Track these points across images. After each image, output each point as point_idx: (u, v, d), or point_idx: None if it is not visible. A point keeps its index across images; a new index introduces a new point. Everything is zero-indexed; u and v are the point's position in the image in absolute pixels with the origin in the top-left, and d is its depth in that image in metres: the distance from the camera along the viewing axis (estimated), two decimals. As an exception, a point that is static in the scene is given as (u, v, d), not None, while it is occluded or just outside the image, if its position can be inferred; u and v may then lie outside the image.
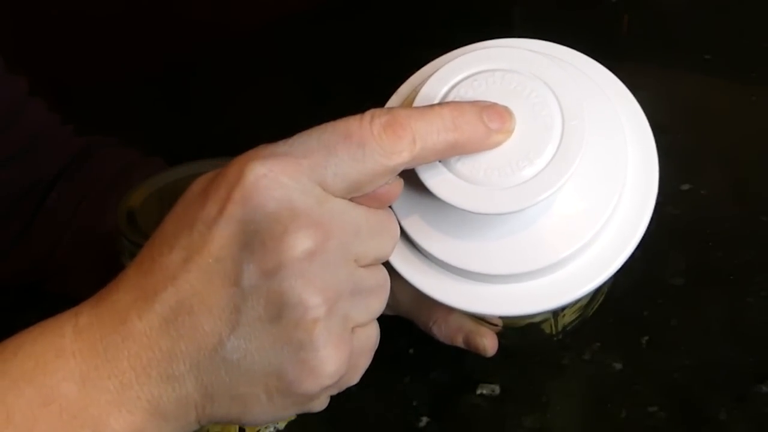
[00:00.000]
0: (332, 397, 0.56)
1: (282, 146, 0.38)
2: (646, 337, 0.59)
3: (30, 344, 0.38)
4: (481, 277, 0.44)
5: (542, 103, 0.43)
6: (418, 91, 0.44)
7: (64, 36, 1.07)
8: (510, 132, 0.42)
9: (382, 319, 0.59)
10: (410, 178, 0.44)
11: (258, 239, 0.36)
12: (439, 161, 0.42)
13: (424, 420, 0.54)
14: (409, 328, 0.58)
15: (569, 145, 0.42)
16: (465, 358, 0.57)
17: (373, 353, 0.42)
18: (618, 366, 0.57)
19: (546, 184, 0.41)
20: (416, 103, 0.44)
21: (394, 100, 0.49)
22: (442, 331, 0.55)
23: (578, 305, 0.54)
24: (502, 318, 0.54)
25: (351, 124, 0.38)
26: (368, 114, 0.38)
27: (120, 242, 0.50)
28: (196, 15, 1.12)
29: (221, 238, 0.37)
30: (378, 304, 0.41)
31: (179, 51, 1.04)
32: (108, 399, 0.37)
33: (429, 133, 0.39)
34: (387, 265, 0.46)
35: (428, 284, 0.46)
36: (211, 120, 0.89)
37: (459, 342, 0.55)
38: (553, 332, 0.56)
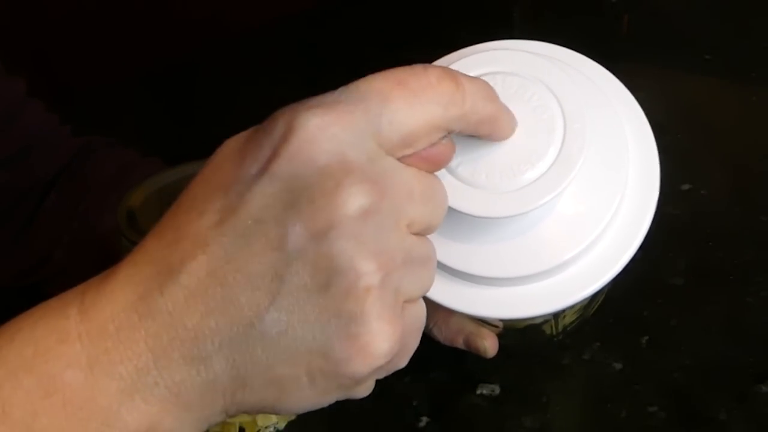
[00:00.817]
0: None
1: (330, 96, 0.35)
2: (646, 337, 0.59)
3: (29, 329, 0.34)
4: (483, 280, 0.44)
5: (544, 107, 0.42)
6: None
7: (63, 36, 1.07)
8: (512, 131, 0.41)
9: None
10: None
11: (306, 196, 0.32)
12: None
13: (424, 420, 0.54)
14: (409, 328, 0.58)
15: (571, 149, 0.41)
16: (465, 358, 0.57)
17: (421, 334, 0.38)
18: (618, 366, 0.57)
19: (548, 187, 0.41)
20: None
21: None
22: (442, 332, 0.55)
23: (579, 306, 0.54)
24: (503, 320, 0.54)
25: (404, 71, 0.35)
26: (419, 65, 0.36)
27: (120, 242, 0.50)
28: (196, 15, 1.12)
29: (263, 196, 0.33)
30: (429, 278, 0.37)
31: (179, 51, 1.04)
32: (120, 387, 0.32)
33: (477, 95, 0.37)
34: None
35: None
36: (210, 120, 0.89)
37: (459, 343, 0.55)
38: (554, 333, 0.56)
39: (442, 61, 0.47)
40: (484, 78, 0.43)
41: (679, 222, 0.67)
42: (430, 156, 0.36)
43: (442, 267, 0.45)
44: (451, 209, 0.42)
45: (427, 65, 0.36)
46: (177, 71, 1.00)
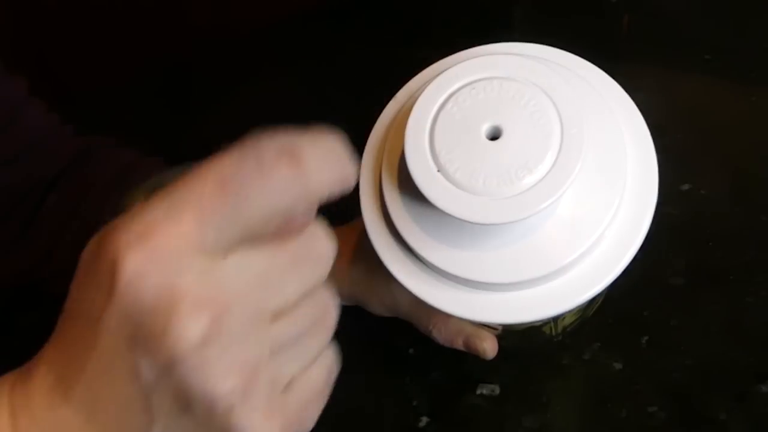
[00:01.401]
0: (332, 397, 0.56)
1: (149, 213, 0.33)
2: (646, 337, 0.58)
3: None
4: (482, 285, 0.44)
5: (541, 112, 0.42)
6: (417, 97, 0.44)
7: (64, 36, 1.07)
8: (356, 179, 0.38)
9: (382, 319, 0.59)
10: (408, 186, 0.43)
11: (143, 336, 0.32)
12: (438, 170, 0.42)
13: (424, 420, 0.54)
14: (409, 329, 0.58)
15: (568, 154, 0.41)
16: (465, 358, 0.57)
17: (328, 388, 0.37)
18: (618, 366, 0.57)
19: (546, 193, 0.41)
20: (414, 111, 0.44)
21: (392, 107, 0.49)
22: (442, 334, 0.55)
23: (577, 308, 0.54)
24: (502, 325, 0.54)
25: (231, 164, 0.32)
26: (252, 149, 0.33)
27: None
28: (196, 15, 1.12)
29: (109, 333, 0.33)
30: (321, 337, 0.36)
31: (179, 51, 1.04)
32: None
33: (321, 168, 0.34)
34: (386, 271, 0.46)
35: (428, 293, 0.46)
36: (210, 120, 0.89)
37: (459, 345, 0.55)
38: (553, 334, 0.56)
39: (439, 65, 0.47)
40: (480, 83, 0.43)
41: (679, 222, 0.67)
42: (284, 231, 0.34)
43: (441, 273, 0.45)
44: (448, 215, 0.42)
45: (263, 146, 0.33)
46: (178, 71, 1.00)
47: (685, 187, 0.72)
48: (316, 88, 0.96)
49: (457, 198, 0.42)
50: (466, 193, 0.42)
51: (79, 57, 1.07)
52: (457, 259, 0.44)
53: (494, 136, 0.43)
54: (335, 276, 0.59)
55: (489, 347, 0.54)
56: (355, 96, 0.87)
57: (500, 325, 0.54)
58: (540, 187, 0.41)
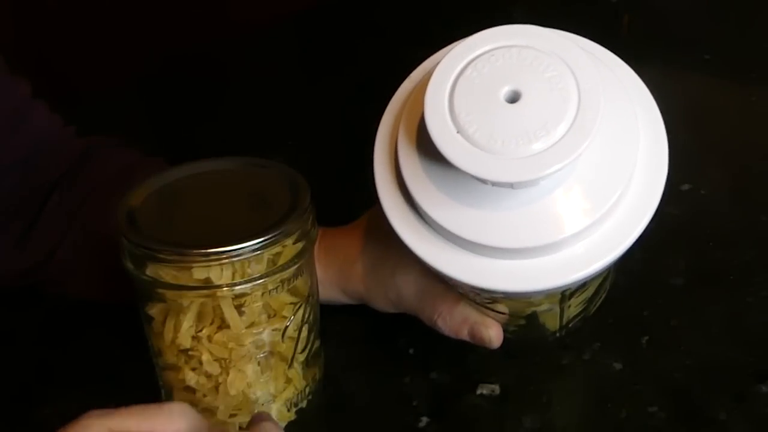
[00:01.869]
0: (332, 397, 0.56)
1: None
2: (646, 337, 0.59)
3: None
4: (492, 251, 0.45)
5: (558, 77, 0.43)
6: (438, 62, 0.45)
7: (64, 36, 1.07)
8: None
9: (383, 319, 0.59)
10: (426, 144, 0.44)
11: None
12: (457, 132, 0.42)
13: (424, 420, 0.54)
14: (409, 328, 0.58)
15: (586, 116, 0.42)
16: (465, 358, 0.57)
17: None
18: (618, 366, 0.57)
19: (563, 154, 0.42)
20: (434, 77, 0.44)
21: (407, 85, 0.49)
22: (447, 323, 0.55)
23: (583, 297, 0.54)
24: (510, 297, 0.53)
25: None
26: None
27: (120, 242, 0.50)
28: (197, 16, 1.12)
29: None
30: None
31: (179, 51, 1.04)
32: None
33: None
34: (396, 238, 0.46)
35: (437, 257, 0.46)
36: (211, 120, 0.89)
37: (464, 334, 0.55)
38: (557, 326, 0.56)
39: (461, 44, 0.47)
40: (498, 51, 0.44)
41: (679, 222, 0.67)
42: None
43: (451, 237, 0.45)
44: (464, 174, 0.42)
45: None
46: (177, 71, 1.00)
47: (685, 187, 0.72)
48: (317, 89, 0.96)
49: (476, 158, 0.42)
50: (485, 153, 0.42)
51: (79, 57, 1.07)
52: (468, 222, 0.45)
53: (513, 99, 0.43)
54: (338, 274, 0.59)
55: (494, 335, 0.54)
56: (355, 96, 0.87)
57: (509, 294, 0.53)
58: (557, 147, 0.42)
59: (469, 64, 0.44)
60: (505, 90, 0.43)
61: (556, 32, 0.46)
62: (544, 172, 0.41)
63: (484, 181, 0.43)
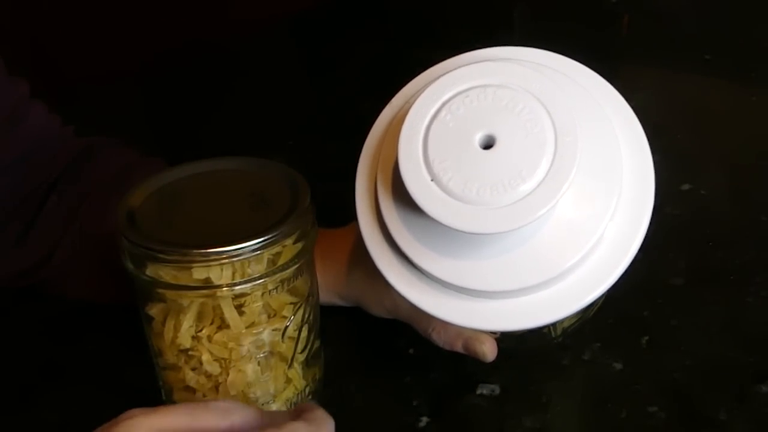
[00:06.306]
0: (333, 397, 0.56)
1: None
2: (646, 337, 0.59)
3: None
4: (480, 293, 0.44)
5: (534, 120, 0.42)
6: (411, 105, 0.44)
7: (64, 36, 1.07)
8: None
9: (382, 319, 0.59)
10: (402, 195, 0.43)
11: None
12: (431, 180, 0.42)
13: (424, 420, 0.54)
14: (409, 328, 0.58)
15: (562, 162, 0.41)
16: (465, 358, 0.57)
17: None
18: (618, 366, 0.57)
19: (540, 202, 0.41)
20: (408, 120, 0.43)
21: (387, 112, 0.49)
22: (441, 337, 0.55)
23: (577, 313, 0.54)
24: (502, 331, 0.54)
25: None
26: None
27: (120, 242, 0.50)
28: (196, 15, 1.12)
29: None
30: None
31: (179, 51, 1.04)
32: None
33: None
34: (384, 281, 0.46)
35: (427, 302, 0.46)
36: (211, 120, 0.89)
37: (458, 348, 0.55)
38: (553, 336, 0.56)
39: (434, 70, 0.47)
40: (473, 91, 0.43)
41: (679, 222, 0.67)
42: None
43: (439, 281, 0.45)
44: (443, 225, 0.41)
45: None
46: (178, 71, 1.00)
47: (685, 187, 0.72)
48: (317, 89, 0.96)
49: (450, 208, 0.41)
50: (460, 203, 0.41)
51: (79, 57, 1.07)
52: (454, 268, 0.44)
53: (488, 144, 0.42)
54: (334, 279, 0.59)
55: (488, 350, 0.55)
56: (354, 96, 0.87)
57: (497, 331, 0.54)
58: (533, 196, 0.41)
59: (443, 105, 0.43)
60: (479, 135, 0.42)
61: (533, 64, 0.45)
62: (518, 223, 0.41)
63: (460, 231, 0.42)
